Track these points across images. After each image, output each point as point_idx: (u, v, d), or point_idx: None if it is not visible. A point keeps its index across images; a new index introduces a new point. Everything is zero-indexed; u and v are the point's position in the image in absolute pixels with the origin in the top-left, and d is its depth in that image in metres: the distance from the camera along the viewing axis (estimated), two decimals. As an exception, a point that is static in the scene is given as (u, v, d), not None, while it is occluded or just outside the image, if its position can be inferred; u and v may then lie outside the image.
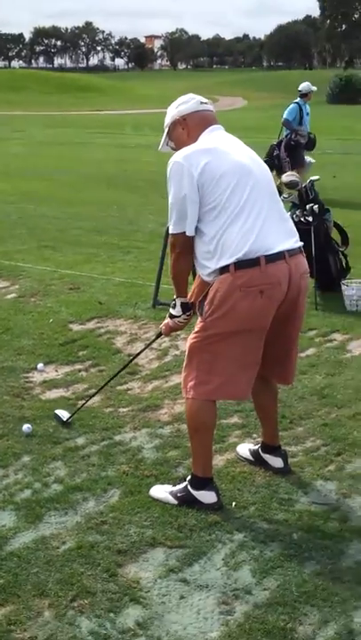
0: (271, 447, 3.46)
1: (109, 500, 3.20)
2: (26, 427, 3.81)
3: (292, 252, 3.00)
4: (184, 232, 3.01)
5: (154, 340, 3.81)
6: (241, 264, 2.89)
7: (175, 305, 3.25)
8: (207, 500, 3.12)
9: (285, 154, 11.37)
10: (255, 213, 2.94)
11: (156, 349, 5.04)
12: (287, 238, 3.03)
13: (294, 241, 3.06)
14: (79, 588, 2.62)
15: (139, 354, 4.08)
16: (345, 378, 4.55)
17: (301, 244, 3.10)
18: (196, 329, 3.07)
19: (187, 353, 3.11)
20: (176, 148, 3.13)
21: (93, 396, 4.04)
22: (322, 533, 2.96)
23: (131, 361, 4.14)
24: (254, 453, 3.51)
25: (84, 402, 4.01)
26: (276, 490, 3.29)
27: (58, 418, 3.87)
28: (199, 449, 3.17)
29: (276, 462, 3.44)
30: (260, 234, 2.92)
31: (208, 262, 2.99)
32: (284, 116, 12.07)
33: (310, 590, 2.61)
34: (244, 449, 3.58)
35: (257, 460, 3.49)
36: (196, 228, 3.01)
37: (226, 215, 2.93)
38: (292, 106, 12.18)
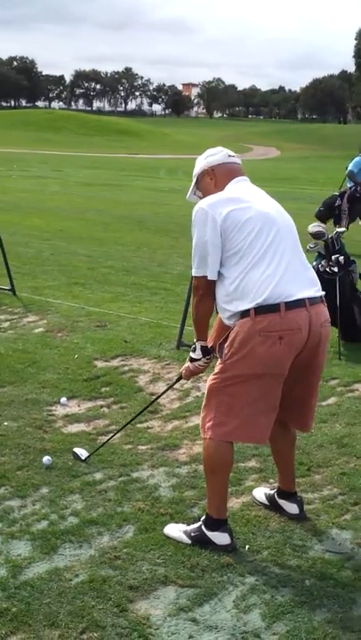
0: (287, 493, 3.48)
1: (124, 536, 3.23)
2: (46, 459, 3.87)
3: (313, 301, 3.06)
4: (206, 276, 3.09)
5: (175, 383, 3.87)
6: (261, 309, 2.95)
7: (195, 348, 3.31)
8: (221, 541, 3.14)
9: (347, 205, 11.46)
10: (277, 260, 3.01)
11: (177, 390, 5.10)
12: (309, 287, 3.08)
13: (316, 290, 3.11)
14: (89, 621, 2.64)
15: (160, 395, 4.15)
16: (365, 428, 4.55)
17: (323, 293, 3.16)
18: (215, 370, 3.13)
19: (206, 394, 3.17)
20: (203, 198, 3.24)
21: (113, 435, 4.09)
22: (334, 581, 2.95)
23: (151, 403, 4.20)
24: (270, 498, 3.52)
25: (103, 442, 4.04)
26: (290, 536, 3.30)
27: (76, 456, 3.92)
28: (215, 489, 3.20)
29: (292, 508, 3.45)
30: (282, 280, 2.98)
31: (228, 306, 3.06)
32: (350, 167, 12.19)
33: (320, 637, 2.61)
34: (260, 493, 3.59)
35: (272, 504, 3.50)
36: (218, 273, 3.08)
37: (248, 260, 3.00)
38: (357, 158, 12.27)
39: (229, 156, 3.29)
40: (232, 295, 3.03)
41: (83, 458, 3.90)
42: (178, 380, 3.69)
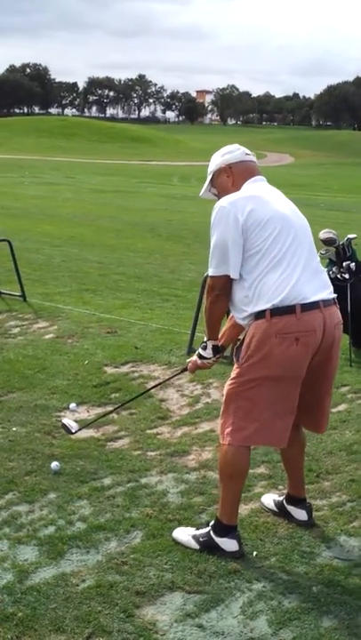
0: (296, 499, 3.46)
1: (131, 542, 3.23)
2: (54, 464, 3.87)
3: (326, 303, 3.06)
4: (226, 275, 3.06)
5: (178, 374, 3.85)
6: (277, 311, 2.95)
7: (206, 347, 3.31)
8: (229, 547, 3.13)
9: None
10: (294, 262, 3.02)
11: (187, 396, 5.10)
12: (323, 289, 3.09)
13: (329, 292, 3.12)
14: (95, 627, 2.65)
15: (163, 382, 4.16)
16: (375, 435, 4.53)
17: (335, 295, 3.16)
18: (232, 375, 3.11)
19: (224, 399, 3.15)
20: (219, 195, 3.22)
21: (106, 415, 4.17)
22: (342, 588, 2.94)
23: (150, 389, 4.22)
24: (279, 504, 3.51)
25: (99, 417, 4.11)
26: (298, 542, 3.28)
27: (66, 428, 3.88)
28: (229, 496, 3.18)
29: (300, 515, 3.43)
30: (298, 283, 2.99)
31: (245, 307, 3.05)
32: None
33: (326, 645, 2.59)
34: (269, 499, 3.58)
35: (281, 511, 3.49)
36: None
37: (267, 262, 3.00)
38: None
39: (246, 154, 3.28)
40: (251, 296, 3.02)
41: (73, 431, 3.86)
42: (182, 371, 3.67)
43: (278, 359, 2.97)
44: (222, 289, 3.11)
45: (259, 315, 2.99)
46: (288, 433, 3.14)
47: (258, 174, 3.26)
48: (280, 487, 3.76)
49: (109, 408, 4.85)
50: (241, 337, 3.16)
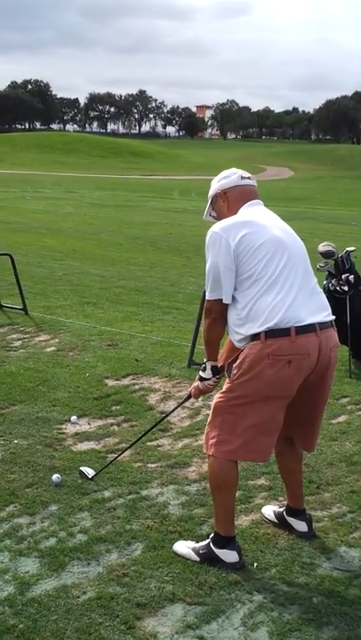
0: (296, 510, 3.47)
1: (132, 554, 3.23)
2: (55, 476, 3.88)
3: (323, 325, 3.07)
4: (220, 299, 3.11)
5: (183, 402, 3.88)
6: (271, 333, 2.97)
7: (205, 368, 3.33)
8: (229, 559, 3.14)
9: None
10: (288, 285, 3.03)
11: (188, 408, 5.11)
12: (319, 311, 3.09)
13: (326, 314, 3.12)
14: (96, 638, 2.64)
15: (169, 414, 4.17)
16: (375, 446, 4.54)
17: (333, 317, 3.17)
18: (223, 389, 3.15)
19: (211, 411, 3.19)
20: (218, 219, 3.27)
21: (121, 454, 4.10)
22: (342, 599, 2.94)
23: (160, 421, 4.22)
24: (279, 516, 3.52)
25: (111, 461, 4.04)
26: (298, 553, 3.29)
27: (83, 475, 3.93)
28: (221, 507, 3.20)
29: (300, 526, 3.44)
30: (292, 305, 3.00)
31: (240, 329, 3.08)
32: None
33: (327, 656, 2.59)
34: (269, 510, 3.59)
35: (281, 522, 3.50)
36: (232, 296, 3.11)
37: (260, 285, 3.02)
38: None
39: (242, 177, 3.30)
40: (244, 319, 3.05)
41: (90, 477, 3.91)
42: (187, 399, 3.71)
43: (269, 380, 2.99)
44: (218, 312, 3.15)
45: (254, 337, 3.01)
46: (271, 450, 3.19)
47: (254, 198, 3.29)
48: (280, 498, 3.76)
49: (110, 420, 4.87)
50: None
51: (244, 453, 3.15)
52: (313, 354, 3.02)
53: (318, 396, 3.24)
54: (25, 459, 4.15)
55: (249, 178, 3.34)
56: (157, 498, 3.77)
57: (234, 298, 3.10)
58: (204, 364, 3.34)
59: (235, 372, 3.07)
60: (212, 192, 3.34)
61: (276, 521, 3.52)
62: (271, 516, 3.55)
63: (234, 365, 3.08)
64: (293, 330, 2.97)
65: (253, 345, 3.01)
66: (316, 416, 3.33)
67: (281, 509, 3.53)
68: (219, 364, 3.32)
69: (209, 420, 3.20)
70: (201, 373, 3.36)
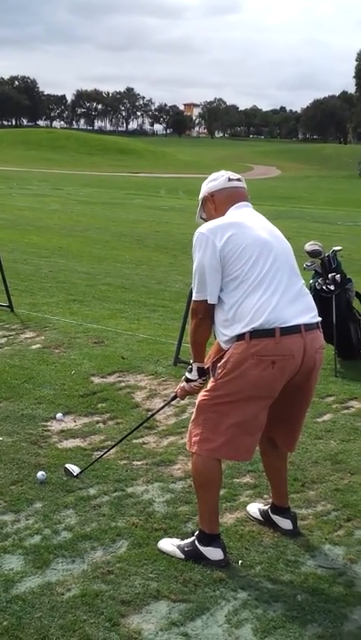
0: (280, 508, 3.48)
1: (117, 551, 3.23)
2: (40, 474, 3.87)
3: (308, 327, 3.07)
4: (205, 300, 3.12)
5: (169, 402, 3.88)
6: (256, 333, 2.97)
7: (192, 369, 3.33)
8: (213, 556, 3.15)
9: None
10: (274, 286, 3.04)
11: (173, 406, 5.11)
12: (305, 313, 3.09)
13: (312, 316, 3.12)
14: (81, 636, 2.64)
15: (154, 413, 4.17)
16: (360, 445, 4.57)
17: (319, 319, 3.17)
18: (207, 387, 3.16)
19: (195, 409, 3.20)
20: (207, 221, 3.28)
21: (107, 452, 4.08)
22: (326, 597, 2.95)
23: (146, 420, 4.21)
24: (264, 513, 3.53)
25: (96, 459, 4.03)
26: (283, 551, 3.30)
27: (68, 472, 3.92)
28: (205, 505, 3.21)
29: (285, 524, 3.45)
30: (278, 306, 3.00)
31: (225, 330, 3.09)
32: None
33: (311, 653, 2.60)
34: (254, 508, 3.60)
35: (266, 520, 3.51)
36: (218, 297, 3.11)
37: (246, 286, 3.03)
38: None
39: (230, 179, 3.30)
40: (230, 320, 3.05)
41: (75, 474, 3.90)
42: (173, 399, 3.70)
43: (252, 380, 2.99)
44: (204, 312, 3.16)
45: (239, 337, 3.01)
46: (254, 450, 3.20)
47: (242, 200, 3.29)
48: (265, 496, 3.78)
49: (96, 418, 4.86)
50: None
51: (227, 452, 3.15)
52: (298, 355, 3.03)
53: (302, 397, 3.26)
54: (10, 456, 4.13)
55: (238, 179, 3.34)
56: (143, 495, 3.77)
57: (220, 299, 3.10)
58: (191, 365, 3.34)
59: (219, 370, 3.08)
60: (201, 195, 3.36)
61: (261, 519, 3.53)
62: (256, 514, 3.56)
63: (218, 364, 3.09)
64: (278, 331, 2.97)
65: (238, 345, 3.01)
66: (298, 417, 3.36)
67: (266, 507, 3.54)
68: (205, 366, 3.32)
69: (192, 417, 3.21)
70: (187, 374, 3.36)
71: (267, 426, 3.18)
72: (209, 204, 3.31)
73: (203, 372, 3.31)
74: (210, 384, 3.15)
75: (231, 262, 3.05)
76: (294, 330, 3.01)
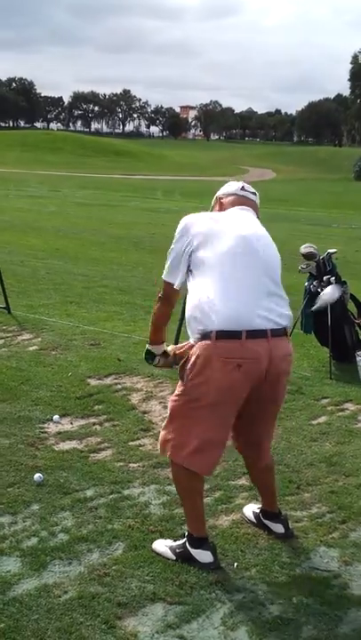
0: (271, 514, 3.48)
1: (113, 553, 3.24)
2: (37, 476, 3.88)
3: (275, 332, 3.02)
4: (171, 283, 3.19)
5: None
6: (222, 334, 2.93)
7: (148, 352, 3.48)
8: (203, 559, 3.15)
9: None
10: (245, 288, 3.00)
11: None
12: (273, 318, 3.04)
13: (278, 322, 3.05)
14: (77, 638, 2.65)
15: None
16: (354, 447, 4.59)
17: (286, 324, 3.10)
18: (177, 391, 3.14)
19: (169, 413, 3.21)
20: None
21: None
22: (321, 599, 2.97)
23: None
24: (257, 517, 3.54)
25: None
26: (278, 553, 3.31)
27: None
28: (190, 510, 3.22)
29: (278, 528, 3.46)
30: (246, 309, 2.96)
31: (193, 322, 3.05)
32: None
33: (306, 655, 2.62)
34: (249, 510, 3.61)
35: (259, 523, 3.52)
36: (189, 285, 3.12)
37: (215, 281, 2.99)
38: None
39: (243, 189, 3.38)
40: (199, 313, 3.00)
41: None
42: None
43: (218, 384, 2.95)
44: (167, 295, 3.25)
45: (205, 335, 2.98)
46: (215, 464, 3.20)
47: (246, 205, 3.32)
48: (260, 498, 3.79)
49: (92, 420, 4.87)
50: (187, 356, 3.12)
51: (195, 461, 3.09)
52: (263, 360, 2.98)
53: (271, 406, 3.24)
54: (7, 458, 4.14)
55: (254, 193, 3.40)
56: (139, 497, 3.79)
57: (190, 290, 3.10)
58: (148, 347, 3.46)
59: (187, 373, 3.04)
60: (214, 198, 3.47)
61: (255, 521, 3.54)
62: (251, 517, 3.57)
63: (186, 367, 3.05)
64: (244, 333, 2.93)
65: (204, 346, 2.98)
66: (269, 428, 3.33)
67: (258, 511, 3.55)
68: (161, 350, 3.43)
69: (166, 421, 3.22)
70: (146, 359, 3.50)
71: (240, 444, 3.26)
72: (217, 206, 3.41)
73: (151, 356, 3.47)
74: (179, 388, 3.12)
75: (203, 253, 3.06)
76: (260, 334, 2.97)
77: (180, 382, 3.13)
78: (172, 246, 3.20)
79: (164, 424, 3.25)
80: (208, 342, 2.97)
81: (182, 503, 3.29)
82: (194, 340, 3.07)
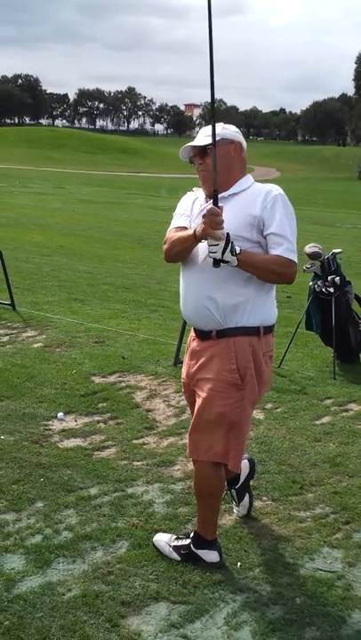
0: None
1: (117, 551, 3.24)
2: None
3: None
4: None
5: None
6: (267, 329, 3.02)
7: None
8: (209, 559, 3.16)
9: None
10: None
11: (173, 407, 5.13)
12: None
13: None
14: (81, 636, 2.66)
15: None
16: (358, 448, 4.59)
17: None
18: (230, 396, 2.96)
19: (214, 418, 2.97)
20: (218, 166, 2.86)
21: None
22: (324, 600, 2.97)
23: None
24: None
25: None
26: (282, 553, 3.31)
27: None
28: (209, 513, 3.18)
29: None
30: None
31: (242, 307, 2.92)
32: None
33: (309, 655, 2.62)
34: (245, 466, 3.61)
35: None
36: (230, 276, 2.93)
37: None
38: None
39: None
40: (250, 305, 2.93)
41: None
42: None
43: (265, 379, 3.04)
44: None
45: (252, 330, 2.94)
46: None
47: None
48: (264, 498, 3.80)
49: (96, 418, 4.88)
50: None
51: (237, 463, 3.09)
52: None
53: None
54: (11, 455, 4.15)
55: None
56: (143, 496, 3.79)
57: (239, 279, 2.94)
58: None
59: (242, 373, 2.94)
60: (229, 134, 3.02)
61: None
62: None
63: (233, 368, 2.93)
64: (273, 327, 3.08)
65: (254, 342, 2.95)
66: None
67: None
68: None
69: (220, 430, 2.97)
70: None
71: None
72: (233, 152, 3.01)
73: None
74: (236, 391, 2.94)
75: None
76: (273, 328, 3.10)
77: (229, 387, 2.95)
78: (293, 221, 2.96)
79: (203, 427, 3.02)
80: (256, 338, 2.97)
81: (202, 507, 3.18)
82: (234, 335, 2.93)
